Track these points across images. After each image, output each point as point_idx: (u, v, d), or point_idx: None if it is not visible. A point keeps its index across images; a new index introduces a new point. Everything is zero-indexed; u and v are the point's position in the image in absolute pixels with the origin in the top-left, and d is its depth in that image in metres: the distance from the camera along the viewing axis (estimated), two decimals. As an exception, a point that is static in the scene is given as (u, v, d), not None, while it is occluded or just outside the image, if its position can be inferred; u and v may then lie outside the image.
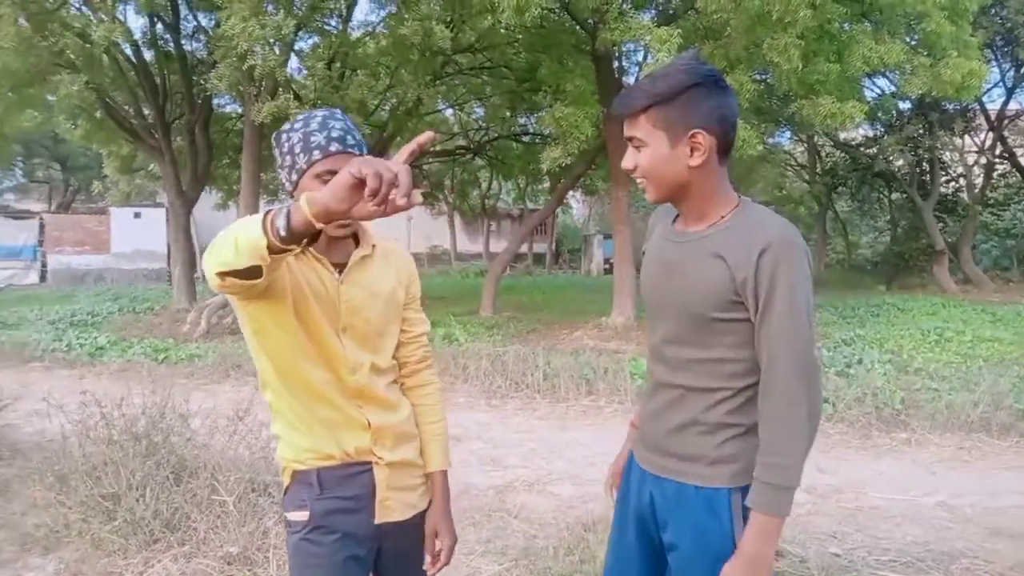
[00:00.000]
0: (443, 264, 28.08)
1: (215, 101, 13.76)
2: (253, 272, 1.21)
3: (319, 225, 1.14)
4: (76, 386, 5.91)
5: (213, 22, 11.80)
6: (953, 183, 19.57)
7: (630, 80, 12.46)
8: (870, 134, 18.89)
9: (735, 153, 9.20)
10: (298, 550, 1.54)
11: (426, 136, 1.18)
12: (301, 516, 1.53)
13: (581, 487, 4.12)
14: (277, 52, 9.28)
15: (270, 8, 8.94)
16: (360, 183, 1.08)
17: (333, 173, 1.40)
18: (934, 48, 9.67)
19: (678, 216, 1.58)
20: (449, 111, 17.93)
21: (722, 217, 1.47)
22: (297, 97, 10.08)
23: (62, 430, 3.80)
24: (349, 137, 1.48)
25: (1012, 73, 16.54)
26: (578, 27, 10.69)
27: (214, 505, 3.23)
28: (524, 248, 26.97)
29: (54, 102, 13.29)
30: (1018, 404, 5.50)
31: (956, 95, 9.98)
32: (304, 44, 12.48)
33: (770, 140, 16.91)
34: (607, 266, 23.78)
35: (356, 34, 12.23)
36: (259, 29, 8.25)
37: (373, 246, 1.59)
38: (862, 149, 18.92)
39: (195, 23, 12.83)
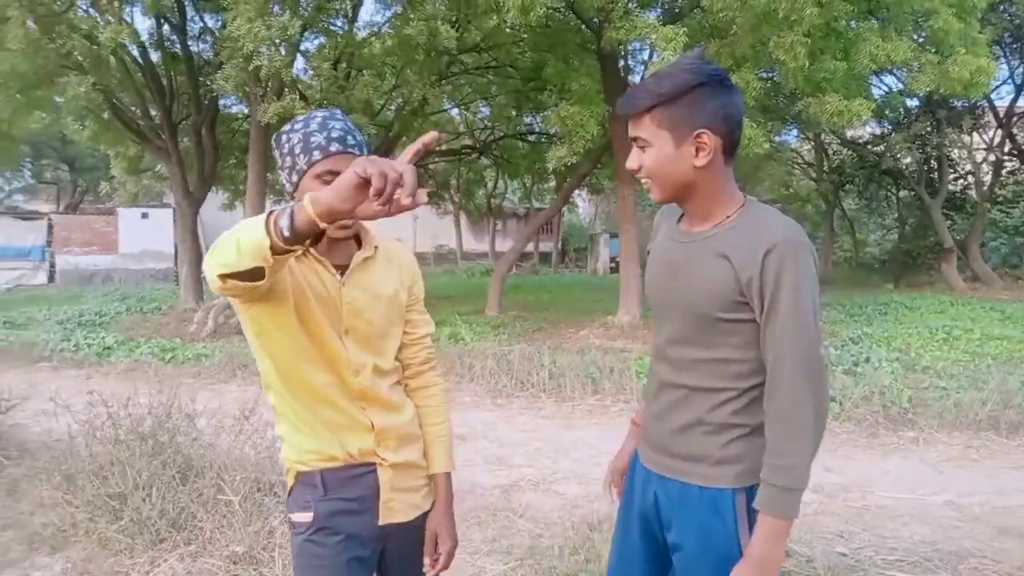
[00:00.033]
0: (449, 263, 28.08)
1: (221, 102, 13.80)
2: (255, 274, 1.21)
3: (323, 225, 1.14)
4: (84, 386, 5.95)
5: (219, 23, 11.84)
6: (961, 180, 19.45)
7: (636, 79, 12.44)
8: (878, 132, 18.81)
9: (741, 152, 9.19)
10: (302, 551, 1.54)
11: (431, 136, 1.19)
12: (305, 517, 1.53)
13: (587, 486, 4.11)
14: (283, 53, 9.30)
15: (276, 9, 8.95)
16: (365, 183, 1.08)
17: (334, 173, 1.39)
18: (942, 45, 9.61)
19: (683, 215, 1.57)
20: (455, 111, 17.94)
21: (727, 217, 1.47)
22: (303, 97, 10.10)
23: (69, 430, 3.82)
24: (349, 137, 1.48)
25: (1021, 70, 16.44)
26: (583, 26, 10.67)
27: (220, 505, 3.24)
28: (530, 247, 26.95)
29: (62, 103, 13.34)
30: (1027, 403, 5.47)
31: (964, 92, 9.93)
32: (310, 44, 12.52)
33: (777, 138, 16.84)
34: (613, 265, 23.74)
35: (362, 34, 12.24)
36: (265, 30, 8.26)
37: (376, 248, 1.59)
38: (869, 147, 18.84)
39: (202, 24, 12.87)
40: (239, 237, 1.19)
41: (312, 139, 1.44)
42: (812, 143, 21.73)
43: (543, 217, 16.51)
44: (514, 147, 17.41)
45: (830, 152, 21.88)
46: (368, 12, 49.28)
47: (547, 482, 4.31)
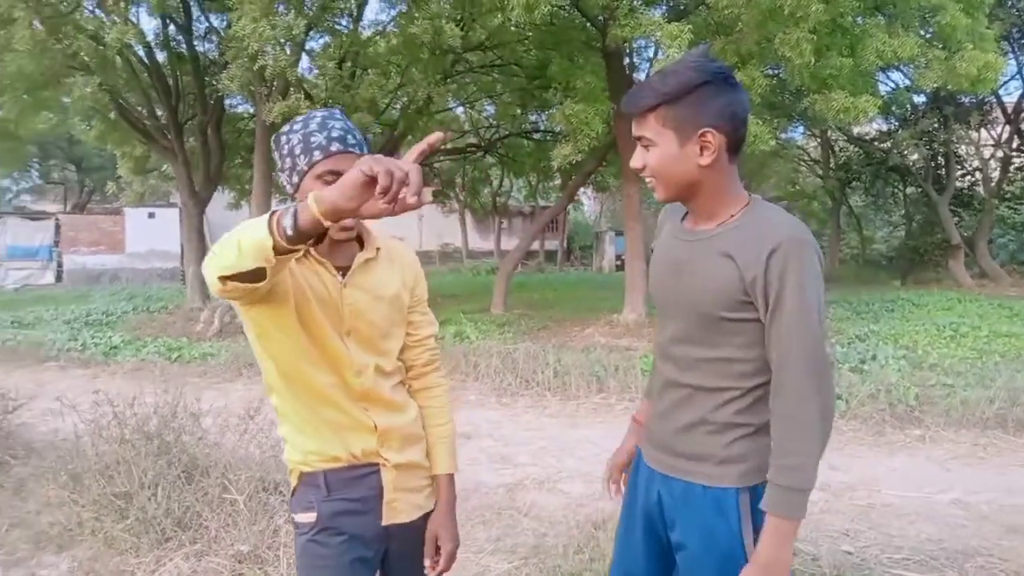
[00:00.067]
0: (455, 262, 28.10)
1: (227, 101, 13.85)
2: (256, 275, 1.21)
3: (327, 224, 1.14)
4: (90, 385, 5.97)
5: (225, 23, 11.87)
6: (969, 177, 19.35)
7: (641, 76, 12.40)
8: (884, 128, 18.72)
9: (747, 149, 9.15)
10: (305, 551, 1.54)
11: (436, 136, 1.19)
12: (308, 518, 1.53)
13: (591, 485, 4.11)
14: (288, 52, 9.31)
15: (281, 8, 8.97)
16: (371, 181, 1.08)
17: (335, 173, 1.39)
18: (949, 41, 9.55)
19: (687, 214, 1.56)
20: (460, 109, 17.95)
21: (732, 216, 1.46)
22: (308, 97, 10.12)
23: (75, 429, 3.84)
24: (349, 137, 1.47)
25: (1029, 65, 16.33)
26: (588, 24, 10.65)
27: (225, 504, 3.24)
28: (535, 245, 26.93)
29: (69, 104, 13.42)
30: (1035, 400, 5.43)
31: (972, 88, 9.87)
32: (315, 44, 12.55)
33: (783, 135, 16.79)
34: (619, 263, 23.73)
35: (367, 33, 12.26)
36: (270, 29, 8.28)
37: (377, 249, 1.58)
38: (876, 143, 18.75)
39: (207, 24, 12.92)
40: (240, 238, 1.18)
41: (312, 139, 1.44)
42: (818, 140, 21.65)
43: (548, 215, 16.49)
44: (519, 145, 17.41)
45: (836, 149, 21.80)
46: (373, 11, 49.40)
47: (552, 481, 4.30)
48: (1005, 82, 16.06)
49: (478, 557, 3.19)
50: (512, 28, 10.12)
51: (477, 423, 5.61)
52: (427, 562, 1.63)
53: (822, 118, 9.77)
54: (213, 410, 4.19)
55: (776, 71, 10.77)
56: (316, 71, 11.40)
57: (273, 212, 1.18)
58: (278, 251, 1.16)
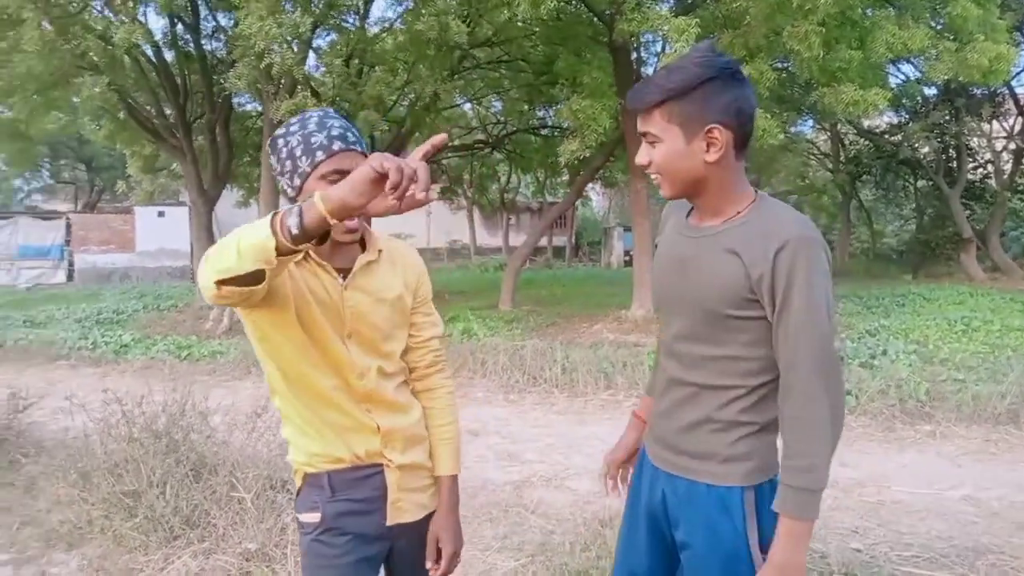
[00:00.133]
0: (462, 258, 28.12)
1: (235, 100, 13.90)
2: (255, 277, 1.20)
3: (333, 221, 1.14)
4: (101, 384, 6.01)
5: (232, 22, 11.89)
6: (981, 169, 19.18)
7: (648, 71, 12.36)
8: (895, 121, 18.59)
9: (755, 143, 9.12)
10: (310, 551, 1.54)
11: (440, 138, 1.20)
12: (313, 518, 1.53)
13: (599, 482, 4.09)
14: (295, 50, 9.33)
15: (287, 7, 8.98)
16: (380, 177, 1.10)
17: (339, 172, 1.39)
18: (960, 32, 9.47)
19: (692, 210, 1.55)
20: (467, 105, 17.93)
21: (738, 212, 1.44)
22: (315, 94, 10.15)
23: (85, 428, 3.86)
24: (349, 134, 1.47)
25: (1042, 56, 16.14)
26: (595, 18, 10.61)
27: (233, 502, 3.26)
28: (543, 241, 26.92)
29: (78, 104, 13.51)
30: (1048, 395, 5.38)
31: (983, 80, 9.78)
32: (322, 41, 12.57)
33: (792, 129, 16.70)
34: (627, 258, 23.67)
35: (374, 30, 12.27)
36: (276, 28, 8.29)
37: (379, 251, 1.57)
38: (887, 136, 18.62)
39: (214, 23, 12.95)
40: (239, 241, 1.18)
41: (313, 139, 1.43)
42: (828, 133, 21.51)
43: (556, 211, 16.49)
44: (527, 141, 17.39)
45: (846, 142, 21.66)
46: (380, 8, 49.38)
47: (559, 478, 4.30)
48: (1017, 73, 15.86)
49: (485, 555, 3.19)
50: (519, 23, 10.12)
51: (484, 420, 5.61)
52: (428, 564, 1.63)
53: (831, 111, 9.71)
54: (222, 408, 4.21)
55: (785, 64, 10.69)
56: (323, 69, 11.43)
57: (275, 213, 1.17)
58: (281, 251, 1.16)
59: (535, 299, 13.71)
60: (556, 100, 13.47)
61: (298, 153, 1.43)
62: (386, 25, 12.66)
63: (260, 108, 13.13)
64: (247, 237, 1.17)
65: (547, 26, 10.51)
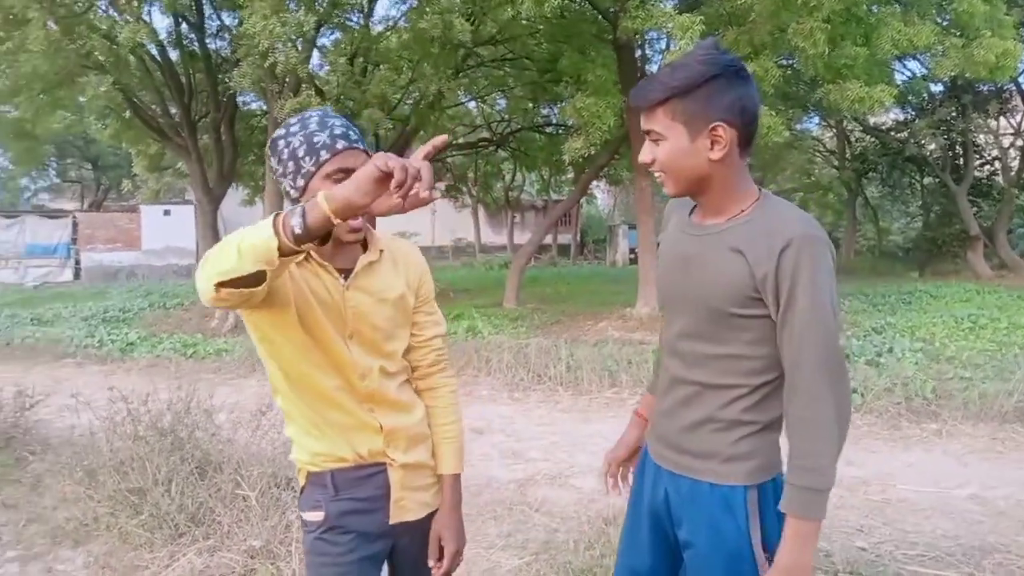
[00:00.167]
0: (467, 256, 28.14)
1: (240, 99, 13.90)
2: (255, 279, 1.19)
3: (337, 221, 1.14)
4: (107, 382, 6.03)
5: (236, 21, 11.91)
6: (988, 166, 19.11)
7: (653, 69, 12.33)
8: (901, 118, 18.54)
9: (760, 140, 9.07)
10: (313, 549, 1.54)
11: (441, 139, 1.23)
12: (316, 516, 1.53)
13: (601, 480, 4.09)
14: (299, 49, 9.34)
15: (291, 5, 8.99)
16: (385, 176, 1.11)
17: (344, 171, 1.38)
18: (967, 28, 9.43)
19: (695, 208, 1.54)
20: (471, 103, 17.92)
21: (742, 211, 1.44)
22: (319, 93, 10.15)
23: (90, 426, 3.88)
24: (351, 133, 1.47)
25: (1049, 52, 16.04)
26: (599, 16, 10.60)
27: (238, 499, 3.26)
28: (548, 239, 26.89)
29: (84, 103, 13.56)
30: (1055, 393, 5.35)
31: (990, 76, 9.75)
32: (326, 40, 12.58)
33: (798, 126, 16.66)
34: (632, 256, 23.65)
35: (378, 29, 12.27)
36: (280, 27, 8.30)
37: (381, 251, 1.56)
38: (893, 133, 18.56)
39: (219, 22, 12.97)
40: (239, 243, 1.17)
41: (315, 139, 1.42)
42: (834, 130, 21.45)
43: (561, 209, 16.44)
44: (531, 139, 17.38)
45: (852, 139, 21.59)
46: (384, 6, 49.37)
47: (563, 476, 4.30)
48: (1024, 70, 15.80)
49: (489, 553, 3.19)
50: (523, 21, 10.11)
51: (489, 418, 5.61)
52: (431, 562, 1.63)
53: (837, 108, 9.68)
54: (227, 406, 4.23)
55: (790, 61, 10.67)
56: (327, 67, 11.44)
57: (276, 214, 1.17)
58: (283, 252, 1.16)
59: (540, 297, 13.71)
60: (560, 98, 13.47)
61: (301, 153, 1.42)
62: (390, 23, 12.67)
63: (265, 107, 13.14)
64: (248, 238, 1.17)
65: (551, 24, 10.50)
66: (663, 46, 12.40)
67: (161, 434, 3.58)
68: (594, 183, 20.08)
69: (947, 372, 6.17)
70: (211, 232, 13.43)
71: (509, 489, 4.05)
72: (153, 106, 13.55)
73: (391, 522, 1.56)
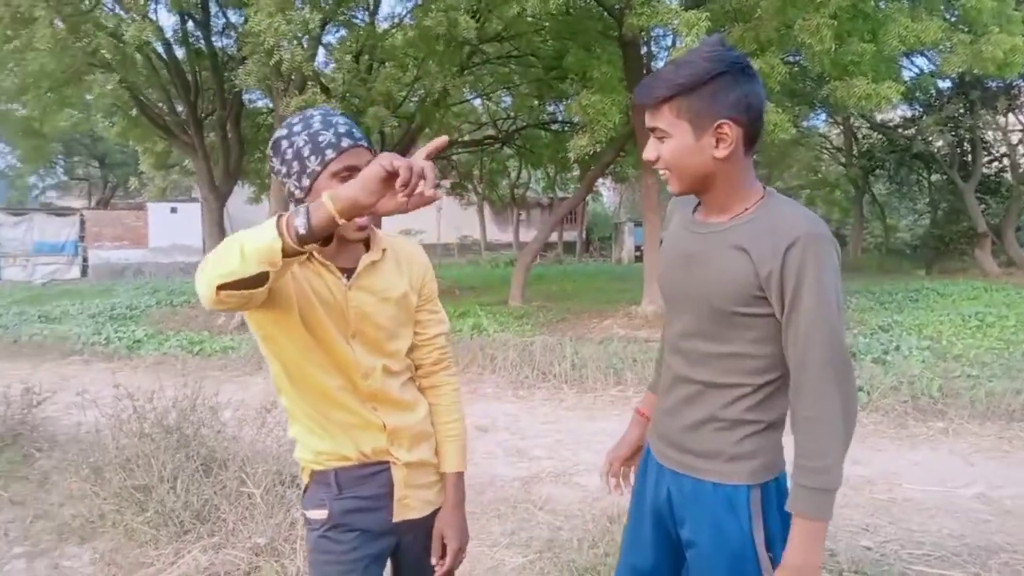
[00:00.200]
0: (473, 254, 28.16)
1: (246, 96, 13.95)
2: (258, 280, 1.19)
3: (342, 221, 1.15)
4: (113, 379, 6.04)
5: (242, 18, 11.94)
6: (996, 163, 19.00)
7: (658, 65, 12.29)
8: (908, 114, 18.44)
9: (766, 137, 9.02)
10: (317, 547, 1.55)
11: (442, 140, 1.23)
12: (320, 514, 1.54)
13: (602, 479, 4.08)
14: (304, 47, 9.34)
15: (297, 3, 8.99)
16: (390, 176, 1.13)
17: (351, 169, 1.39)
18: (975, 24, 9.38)
19: (698, 205, 1.53)
20: (477, 101, 17.91)
21: (746, 209, 1.43)
22: (325, 90, 10.15)
23: (97, 423, 3.89)
24: (355, 131, 1.46)
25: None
26: (605, 13, 10.57)
27: (243, 497, 3.27)
28: (554, 237, 26.91)
29: (91, 101, 13.62)
30: (1062, 392, 5.32)
31: (998, 72, 9.69)
32: (332, 37, 12.59)
33: (804, 123, 16.59)
34: (638, 254, 23.60)
35: (383, 26, 12.27)
36: (285, 24, 8.31)
37: (383, 250, 1.56)
38: (900, 130, 18.47)
39: (225, 20, 13.00)
40: (242, 244, 1.17)
41: (320, 138, 1.42)
42: (841, 127, 21.36)
43: (567, 206, 16.44)
44: (537, 137, 17.37)
45: (859, 136, 21.50)
46: (389, 4, 49.39)
47: (568, 474, 4.29)
48: (1033, 66, 15.68)
49: (493, 551, 3.19)
50: (528, 18, 10.10)
51: (494, 416, 5.61)
52: (434, 560, 1.63)
53: (844, 105, 9.63)
54: (232, 403, 4.24)
55: (796, 58, 10.62)
56: (333, 65, 11.44)
57: (280, 215, 1.17)
58: (286, 253, 1.16)
59: (545, 295, 13.70)
60: (566, 95, 13.47)
61: (306, 153, 1.42)
62: (396, 21, 12.67)
63: (271, 104, 13.17)
64: (251, 240, 1.17)
65: (556, 21, 10.48)
66: (669, 43, 12.40)
67: (167, 431, 3.59)
68: (600, 180, 20.03)
69: (954, 370, 6.14)
70: (217, 229, 13.48)
71: (513, 487, 4.05)
72: (159, 104, 13.60)
73: (394, 520, 1.57)
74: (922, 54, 13.80)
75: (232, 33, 12.90)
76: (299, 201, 1.44)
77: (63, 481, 3.75)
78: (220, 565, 2.93)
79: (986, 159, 18.26)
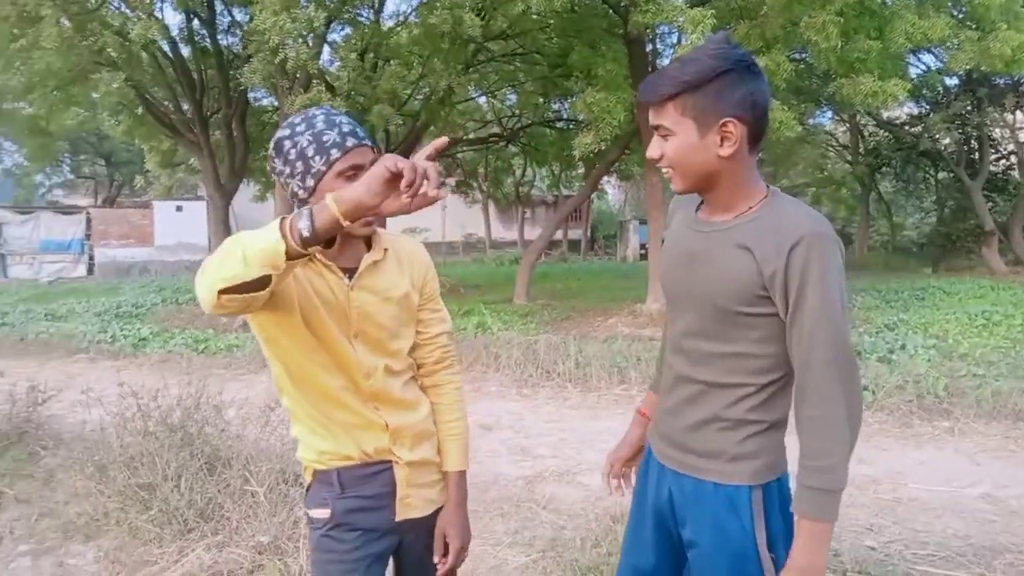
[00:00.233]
0: (478, 252, 28.15)
1: (251, 95, 13.96)
2: (260, 283, 1.19)
3: (346, 223, 1.15)
4: (118, 377, 6.06)
5: (247, 17, 11.95)
6: (1003, 161, 18.90)
7: (664, 63, 12.26)
8: (915, 112, 18.37)
9: (772, 135, 8.97)
10: (320, 546, 1.56)
11: (441, 141, 1.24)
12: (323, 514, 1.55)
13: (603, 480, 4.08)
14: (309, 45, 9.35)
15: (302, 1, 8.99)
16: (394, 177, 1.14)
17: (356, 168, 1.39)
18: (982, 21, 9.33)
19: (701, 203, 1.53)
20: (482, 99, 17.90)
21: (750, 208, 1.42)
22: (330, 89, 10.15)
23: (101, 421, 3.91)
24: (359, 130, 1.46)
25: (1067, 45, 15.83)
26: (610, 10, 10.54)
27: (246, 495, 3.28)
28: (559, 235, 26.85)
29: (97, 100, 13.66)
30: (1069, 391, 5.29)
31: (1006, 69, 9.63)
32: (337, 36, 12.60)
33: (810, 120, 16.53)
34: (643, 252, 23.59)
35: (388, 24, 12.27)
36: (290, 22, 8.31)
37: (385, 250, 1.56)
38: (907, 128, 18.39)
39: (230, 18, 13.01)
40: (244, 248, 1.17)
41: (325, 137, 1.41)
42: (847, 125, 21.27)
43: (572, 204, 16.43)
44: (542, 134, 17.34)
45: (866, 134, 21.41)
46: (394, 1, 49.34)
47: (571, 473, 4.29)
48: (1041, 63, 15.58)
49: (496, 550, 3.19)
50: (533, 16, 10.07)
51: (498, 415, 5.61)
52: (436, 558, 1.64)
53: (850, 103, 9.59)
54: (236, 401, 4.24)
55: (802, 55, 10.58)
56: (338, 63, 11.44)
57: (283, 218, 1.17)
58: (290, 256, 1.16)
59: (550, 293, 13.69)
60: (571, 93, 13.43)
61: (310, 153, 1.41)
62: (400, 19, 12.67)
63: (276, 103, 13.19)
64: (253, 243, 1.17)
65: (561, 18, 10.45)
66: (674, 40, 12.34)
67: (171, 430, 3.60)
68: (605, 178, 20.00)
69: (960, 369, 6.12)
70: (223, 228, 13.51)
71: (517, 486, 4.05)
72: (165, 102, 13.64)
73: (397, 519, 1.57)
74: (929, 51, 13.72)
75: (237, 31, 12.91)
76: (303, 201, 1.43)
77: (68, 479, 3.76)
78: (223, 563, 2.94)
79: (993, 157, 18.16)
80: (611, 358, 6.77)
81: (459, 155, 20.57)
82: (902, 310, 10.23)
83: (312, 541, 1.58)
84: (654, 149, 1.45)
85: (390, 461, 1.56)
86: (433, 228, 24.96)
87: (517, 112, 17.82)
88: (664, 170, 1.47)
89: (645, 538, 1.63)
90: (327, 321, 1.45)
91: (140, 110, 13.38)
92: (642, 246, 24.13)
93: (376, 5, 12.07)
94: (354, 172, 1.38)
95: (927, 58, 15.24)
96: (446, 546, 1.64)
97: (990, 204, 17.60)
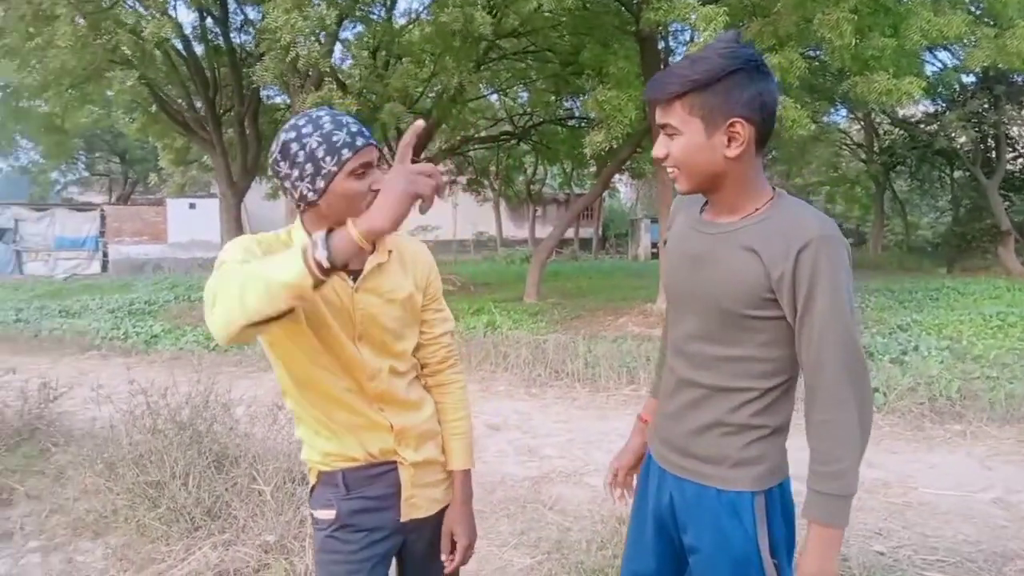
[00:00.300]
0: (489, 250, 28.15)
1: (263, 93, 14.04)
2: (283, 313, 1.19)
3: (367, 247, 1.16)
4: (130, 374, 6.11)
5: (260, 15, 12.00)
6: (1021, 159, 18.68)
7: (676, 61, 12.19)
8: (931, 110, 18.21)
9: (785, 134, 8.89)
10: (325, 546, 1.56)
11: (418, 124, 1.27)
12: (328, 515, 1.55)
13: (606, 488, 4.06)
14: (321, 43, 9.37)
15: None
16: (416, 198, 1.18)
17: (366, 166, 1.39)
18: (999, 17, 9.23)
19: (705, 204, 1.51)
20: (493, 96, 17.89)
21: (756, 209, 1.40)
22: (342, 86, 10.18)
23: (111, 419, 3.93)
24: (364, 129, 1.46)
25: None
26: (622, 8, 10.50)
27: (253, 494, 3.29)
28: (570, 233, 26.83)
29: (111, 98, 13.78)
30: (1085, 395, 5.22)
31: (1023, 67, 9.50)
32: (349, 34, 12.63)
33: (824, 119, 16.39)
34: (654, 251, 23.51)
35: (400, 22, 12.30)
36: (302, 20, 8.33)
37: (389, 252, 1.56)
38: (922, 126, 18.22)
39: (243, 16, 13.08)
40: (265, 283, 1.15)
41: (335, 138, 1.40)
42: (861, 123, 21.09)
43: (583, 203, 16.38)
44: (553, 132, 17.31)
45: (880, 132, 21.23)
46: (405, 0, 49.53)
47: (578, 474, 4.28)
48: (1060, 60, 15.38)
49: (501, 551, 3.19)
50: (545, 14, 10.03)
51: (506, 414, 5.60)
52: (443, 557, 1.64)
53: (864, 101, 9.51)
54: (245, 399, 4.26)
55: (816, 53, 10.49)
56: (350, 61, 11.48)
57: (304, 249, 1.16)
58: (315, 286, 1.16)
59: (561, 291, 13.66)
60: (583, 91, 13.38)
61: (320, 154, 1.40)
62: (412, 17, 12.69)
63: (288, 101, 13.24)
64: (275, 278, 1.15)
65: (573, 16, 10.42)
66: (687, 38, 12.27)
67: (180, 428, 3.61)
68: (616, 177, 19.92)
69: (973, 372, 6.04)
70: (235, 225, 13.59)
71: (523, 486, 4.04)
72: (179, 100, 13.74)
73: (402, 520, 1.58)
74: (945, 48, 13.59)
75: (250, 29, 12.98)
76: (311, 204, 1.43)
77: (78, 476, 3.78)
78: (230, 562, 2.95)
79: (1010, 155, 17.96)
80: (621, 358, 6.74)
81: (470, 153, 20.57)
82: (915, 311, 10.13)
83: (317, 542, 1.59)
84: (660, 148, 1.43)
85: (395, 462, 1.57)
86: (444, 226, 24.97)
87: (529, 110, 17.78)
88: (669, 170, 1.45)
89: (646, 543, 1.62)
90: (332, 324, 1.45)
91: (154, 108, 13.48)
92: (654, 245, 24.06)
93: (388, 3, 12.10)
94: (364, 170, 1.38)
95: (943, 55, 15.10)
96: (453, 544, 1.64)
97: (1007, 203, 17.41)
